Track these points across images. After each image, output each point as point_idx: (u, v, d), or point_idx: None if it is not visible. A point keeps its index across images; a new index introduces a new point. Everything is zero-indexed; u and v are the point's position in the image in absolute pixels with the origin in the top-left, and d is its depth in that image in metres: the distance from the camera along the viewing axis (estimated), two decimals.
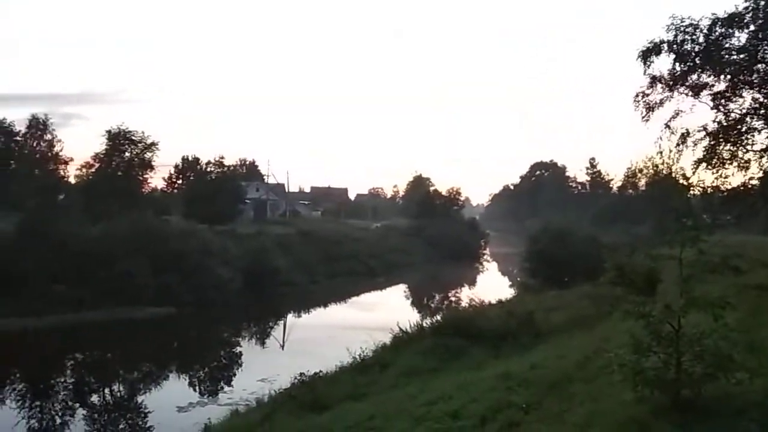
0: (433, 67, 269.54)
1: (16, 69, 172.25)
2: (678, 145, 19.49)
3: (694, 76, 18.86)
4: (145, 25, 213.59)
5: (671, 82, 19.16)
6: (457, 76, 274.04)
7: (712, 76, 18.66)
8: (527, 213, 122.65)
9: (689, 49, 18.50)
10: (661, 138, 19.76)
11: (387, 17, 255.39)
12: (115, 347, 33.68)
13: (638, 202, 77.84)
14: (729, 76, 18.36)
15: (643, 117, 19.90)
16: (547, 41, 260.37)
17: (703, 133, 18.89)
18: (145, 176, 53.59)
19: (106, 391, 26.22)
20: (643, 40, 19.27)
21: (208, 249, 45.96)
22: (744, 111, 18.52)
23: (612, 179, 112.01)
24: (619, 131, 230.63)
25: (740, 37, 18.06)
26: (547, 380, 11.35)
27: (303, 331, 38.83)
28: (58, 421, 22.03)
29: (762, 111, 18.25)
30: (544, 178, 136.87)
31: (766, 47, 17.80)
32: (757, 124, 18.50)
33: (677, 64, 18.85)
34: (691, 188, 21.24)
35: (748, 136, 18.56)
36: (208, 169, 61.46)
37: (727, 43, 18.17)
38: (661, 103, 19.55)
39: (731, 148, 18.68)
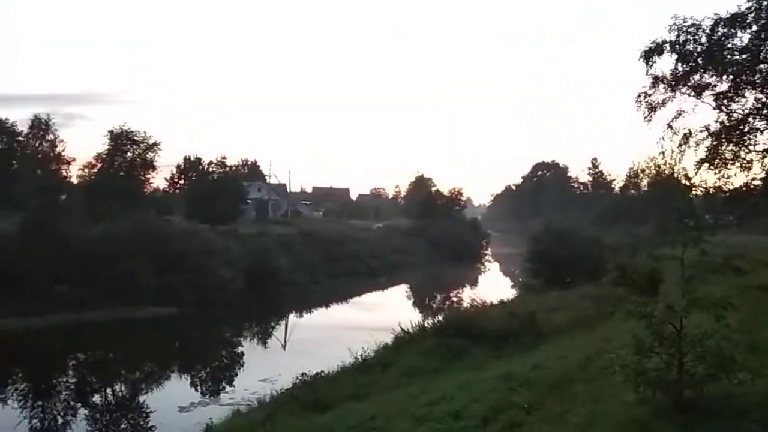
0: (433, 67, 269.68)
1: (19, 69, 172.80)
2: (680, 145, 19.46)
3: (697, 77, 18.83)
4: (145, 25, 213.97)
5: (673, 83, 19.13)
6: (457, 76, 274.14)
7: (714, 77, 18.64)
8: (529, 213, 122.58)
9: (691, 49, 18.47)
10: (663, 138, 19.73)
11: (387, 17, 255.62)
12: (116, 347, 33.72)
13: (640, 202, 77.73)
14: (731, 77, 18.33)
15: (645, 117, 19.87)
16: (547, 41, 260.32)
17: (706, 133, 18.87)
18: (147, 176, 53.70)
19: (108, 390, 26.25)
20: (643, 39, 19.24)
21: (210, 249, 46.04)
22: (746, 111, 18.49)
23: (614, 179, 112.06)
24: (620, 131, 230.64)
25: (743, 37, 18.04)
26: (548, 381, 11.34)
27: (304, 331, 38.86)
28: (60, 420, 22.06)
29: (764, 111, 18.22)
30: (546, 179, 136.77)
31: None
32: (760, 124, 18.47)
33: (679, 64, 18.82)
34: (694, 189, 21.21)
35: (751, 137, 18.53)
36: (210, 170, 61.54)
37: (729, 43, 18.14)
38: (664, 103, 19.52)
39: (734, 148, 18.66)
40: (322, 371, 18.59)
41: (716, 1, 19.10)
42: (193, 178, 64.47)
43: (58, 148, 60.69)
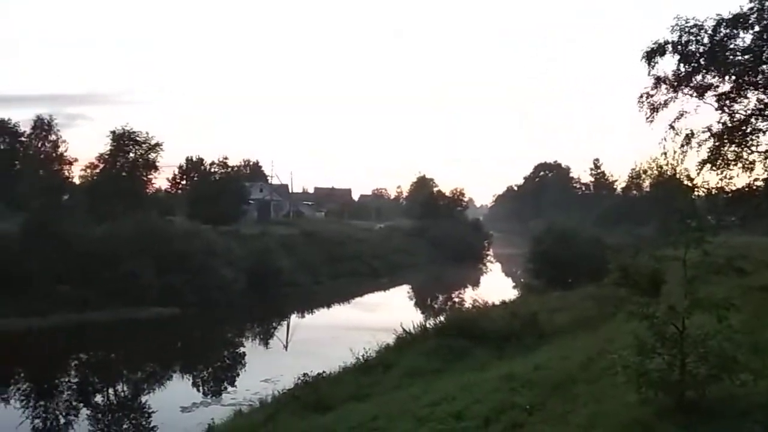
0: (433, 67, 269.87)
1: (21, 70, 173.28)
2: (682, 146, 19.48)
3: (699, 77, 18.83)
4: (145, 25, 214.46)
5: (676, 83, 19.14)
6: (456, 76, 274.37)
7: (716, 77, 18.64)
8: (531, 214, 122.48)
9: (694, 49, 18.48)
10: (665, 139, 19.76)
11: (387, 17, 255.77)
12: (119, 347, 33.75)
13: (642, 203, 77.66)
14: (734, 77, 18.34)
15: (647, 118, 19.89)
16: (547, 41, 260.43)
17: (708, 134, 18.88)
18: (149, 177, 53.71)
19: (110, 391, 26.28)
20: (643, 39, 19.34)
21: (212, 249, 46.08)
22: (749, 112, 18.49)
23: (616, 180, 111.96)
24: (621, 131, 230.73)
25: (745, 38, 18.06)
26: (550, 381, 11.33)
27: (306, 332, 38.87)
28: (62, 420, 22.08)
29: (767, 112, 18.20)
30: (548, 179, 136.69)
31: None
32: (762, 125, 18.47)
33: (682, 64, 18.83)
34: (696, 189, 21.22)
35: (753, 137, 18.53)
36: (212, 170, 61.58)
37: (731, 43, 18.14)
38: (666, 103, 19.54)
39: (736, 149, 18.65)
40: (324, 372, 18.57)
41: (718, 1, 19.13)
42: (195, 179, 64.49)
43: (61, 149, 60.86)
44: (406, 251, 76.17)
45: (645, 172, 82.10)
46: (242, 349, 34.92)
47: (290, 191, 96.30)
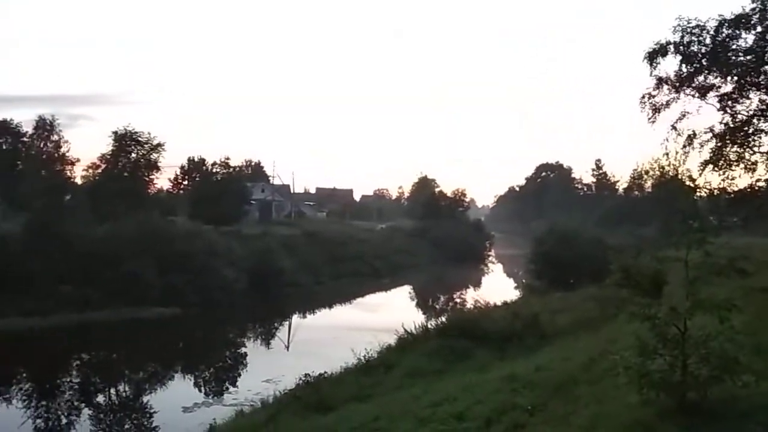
0: (433, 67, 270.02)
1: (23, 70, 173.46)
2: (684, 146, 19.45)
3: (701, 78, 18.81)
4: (146, 25, 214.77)
5: (677, 84, 19.11)
6: (457, 76, 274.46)
7: (718, 78, 18.61)
8: (533, 214, 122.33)
9: (696, 50, 18.46)
10: (667, 139, 19.73)
11: (387, 17, 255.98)
12: (120, 347, 33.80)
13: (644, 203, 77.58)
14: (736, 78, 18.31)
15: (649, 118, 19.86)
16: (547, 41, 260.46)
17: (710, 134, 18.84)
18: (151, 177, 53.80)
19: (112, 391, 26.31)
20: (643, 39, 19.37)
21: (213, 250, 46.13)
22: (751, 112, 18.46)
23: (618, 181, 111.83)
24: (621, 131, 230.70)
25: (747, 39, 18.04)
26: (552, 382, 11.33)
27: (308, 332, 38.87)
28: (64, 420, 22.11)
29: None
30: (550, 180, 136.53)
31: None
32: (764, 125, 18.44)
33: (684, 65, 18.81)
34: (698, 190, 21.18)
35: (755, 138, 18.50)
36: (214, 170, 61.65)
37: (733, 44, 18.13)
38: (668, 104, 19.51)
39: (738, 149, 18.62)
40: (326, 372, 18.59)
41: (719, 2, 19.11)
42: (197, 179, 64.57)
43: (63, 149, 60.87)
44: (407, 252, 76.17)
45: (647, 172, 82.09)
46: (244, 350, 34.95)
47: (292, 191, 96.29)
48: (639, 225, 62.36)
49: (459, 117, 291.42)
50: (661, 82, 19.39)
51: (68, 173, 59.67)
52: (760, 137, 18.47)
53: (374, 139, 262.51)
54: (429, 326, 22.10)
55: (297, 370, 19.39)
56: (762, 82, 18.14)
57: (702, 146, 19.02)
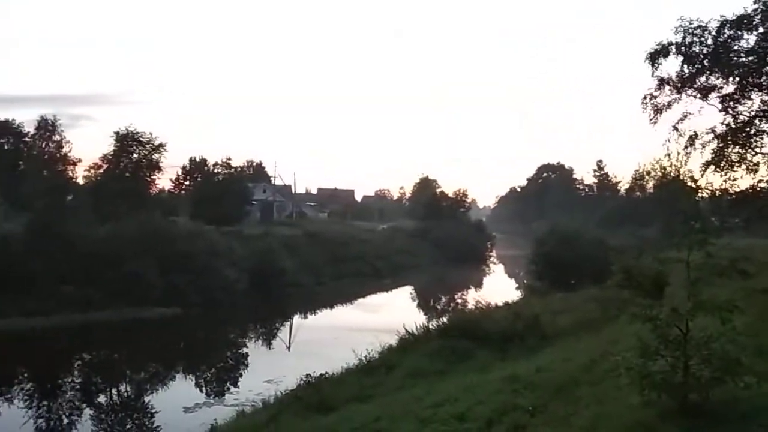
0: (433, 67, 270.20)
1: (25, 70, 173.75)
2: (686, 147, 19.41)
3: (703, 79, 18.79)
4: (147, 25, 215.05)
5: (679, 85, 19.09)
6: (457, 76, 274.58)
7: (720, 79, 18.59)
8: (534, 215, 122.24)
9: (697, 51, 18.44)
10: (669, 140, 19.70)
11: (387, 17, 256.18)
12: (122, 347, 33.84)
13: (646, 204, 77.57)
14: (737, 79, 18.28)
15: (651, 119, 19.84)
16: (547, 41, 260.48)
17: (712, 135, 18.81)
18: (152, 177, 53.82)
19: (113, 390, 26.34)
20: (643, 39, 19.46)
21: (215, 250, 46.15)
22: (753, 113, 18.44)
23: (619, 181, 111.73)
24: (623, 132, 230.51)
25: (749, 39, 18.01)
26: (553, 383, 11.32)
27: (309, 332, 38.88)
28: (66, 420, 22.14)
29: None
30: (551, 180, 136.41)
31: None
32: (766, 126, 18.40)
33: (685, 66, 18.79)
34: (699, 191, 21.13)
35: (757, 139, 18.48)
36: (215, 171, 61.69)
37: (735, 45, 18.10)
38: (669, 105, 19.48)
39: (740, 150, 18.59)
40: (327, 372, 18.60)
41: (720, 2, 19.09)
42: (199, 179, 64.63)
43: (65, 149, 60.93)
44: (408, 252, 76.17)
45: (648, 173, 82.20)
46: (245, 350, 34.97)
47: (293, 192, 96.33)
48: (640, 226, 62.34)
49: (459, 117, 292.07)
50: (662, 82, 19.38)
51: (70, 173, 59.76)
52: (761, 138, 18.45)
53: (375, 140, 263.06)
54: (430, 327, 22.09)
55: (298, 371, 19.40)
56: (764, 83, 18.12)
57: (704, 147, 19.00)
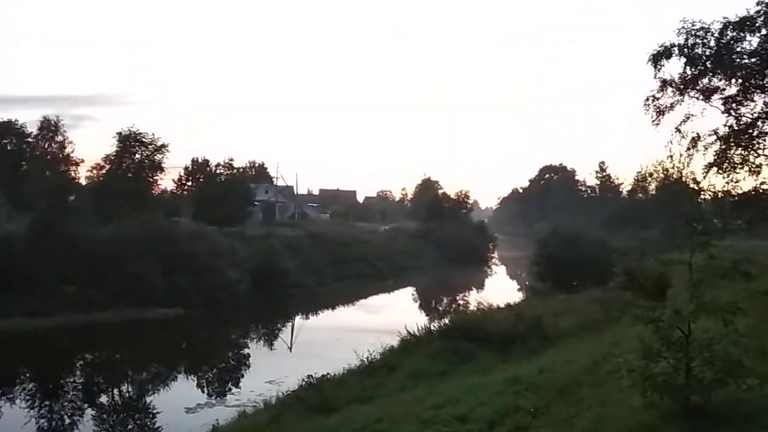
0: (434, 67, 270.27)
1: (27, 71, 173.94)
2: (688, 149, 19.36)
3: (705, 80, 18.75)
4: (148, 25, 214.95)
5: (682, 86, 19.05)
6: (457, 76, 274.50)
7: (723, 80, 18.55)
8: (536, 216, 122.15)
9: (700, 52, 18.41)
10: (671, 142, 19.64)
11: (387, 17, 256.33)
12: (124, 348, 33.89)
13: (648, 206, 77.50)
14: (740, 80, 18.25)
15: (653, 121, 19.80)
16: (547, 41, 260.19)
17: (714, 137, 18.76)
18: (155, 178, 53.92)
19: (115, 391, 26.38)
20: (644, 39, 19.51)
21: (217, 251, 46.21)
22: (755, 115, 18.39)
23: (621, 183, 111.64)
24: (624, 132, 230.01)
25: (752, 41, 17.96)
26: (555, 385, 11.32)
27: (311, 333, 38.89)
28: (68, 420, 22.18)
29: None
30: (553, 182, 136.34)
31: None
32: None
33: (688, 67, 18.75)
34: (702, 193, 21.09)
35: (760, 141, 18.42)
36: (218, 171, 61.77)
37: (738, 46, 18.06)
38: (672, 106, 19.44)
39: (742, 152, 18.54)
40: (328, 373, 18.58)
41: (720, 3, 19.07)
42: (201, 180, 64.71)
43: (67, 150, 61.20)
44: (410, 253, 76.17)
45: (651, 175, 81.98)
46: (247, 351, 34.98)
47: (295, 193, 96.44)
48: (643, 227, 62.26)
49: (460, 117, 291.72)
50: (665, 84, 19.34)
51: (73, 174, 60.05)
52: (764, 140, 18.39)
53: (376, 140, 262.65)
54: (432, 328, 22.07)
55: (300, 371, 19.40)
56: (766, 85, 18.08)
57: (706, 149, 18.95)
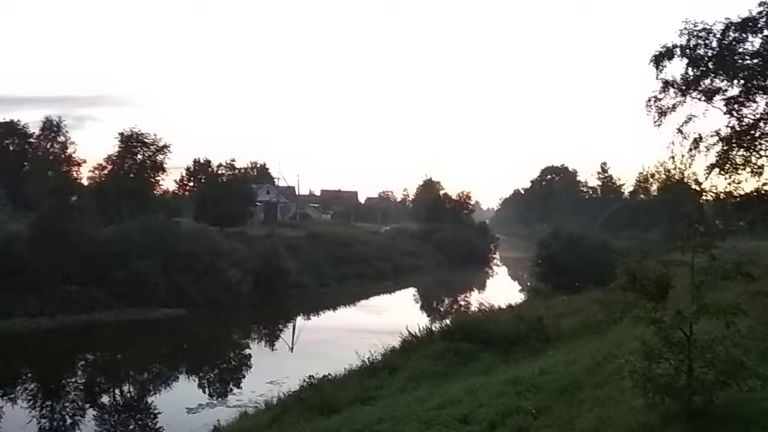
0: (435, 67, 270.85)
1: (30, 72, 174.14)
2: (690, 150, 19.37)
3: (707, 81, 18.76)
4: (150, 25, 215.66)
5: (684, 87, 19.06)
6: (458, 76, 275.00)
7: (725, 81, 18.55)
8: (538, 217, 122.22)
9: (702, 53, 18.41)
10: (673, 143, 19.65)
11: (387, 18, 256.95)
12: (126, 348, 33.91)
13: (650, 207, 77.41)
14: (742, 81, 18.25)
15: (655, 122, 19.81)
16: (547, 41, 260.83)
17: (716, 138, 18.77)
18: (157, 178, 54.00)
19: (117, 391, 26.37)
20: (644, 39, 19.42)
21: (218, 251, 46.21)
22: (757, 116, 18.39)
23: (623, 184, 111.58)
24: (625, 133, 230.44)
25: (754, 42, 17.97)
26: (556, 386, 11.31)
27: (312, 334, 38.89)
28: (69, 420, 22.16)
29: None
30: (555, 183, 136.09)
31: None
32: None
33: (690, 68, 18.76)
34: (704, 194, 21.10)
35: (762, 142, 18.42)
36: (219, 172, 61.81)
37: (740, 47, 18.07)
38: (674, 107, 19.45)
39: (744, 153, 18.54)
40: (330, 374, 18.57)
41: (721, 3, 19.05)
42: (203, 181, 64.78)
43: (69, 150, 61.41)
44: (412, 254, 76.12)
45: (653, 176, 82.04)
46: (248, 351, 34.96)
47: (297, 193, 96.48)
48: (645, 229, 62.28)
49: (461, 118, 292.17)
50: (667, 85, 19.34)
51: (75, 174, 60.25)
52: (766, 141, 18.39)
53: (378, 141, 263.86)
54: (433, 329, 22.07)
55: (301, 372, 19.37)
56: None
57: (708, 150, 18.95)
